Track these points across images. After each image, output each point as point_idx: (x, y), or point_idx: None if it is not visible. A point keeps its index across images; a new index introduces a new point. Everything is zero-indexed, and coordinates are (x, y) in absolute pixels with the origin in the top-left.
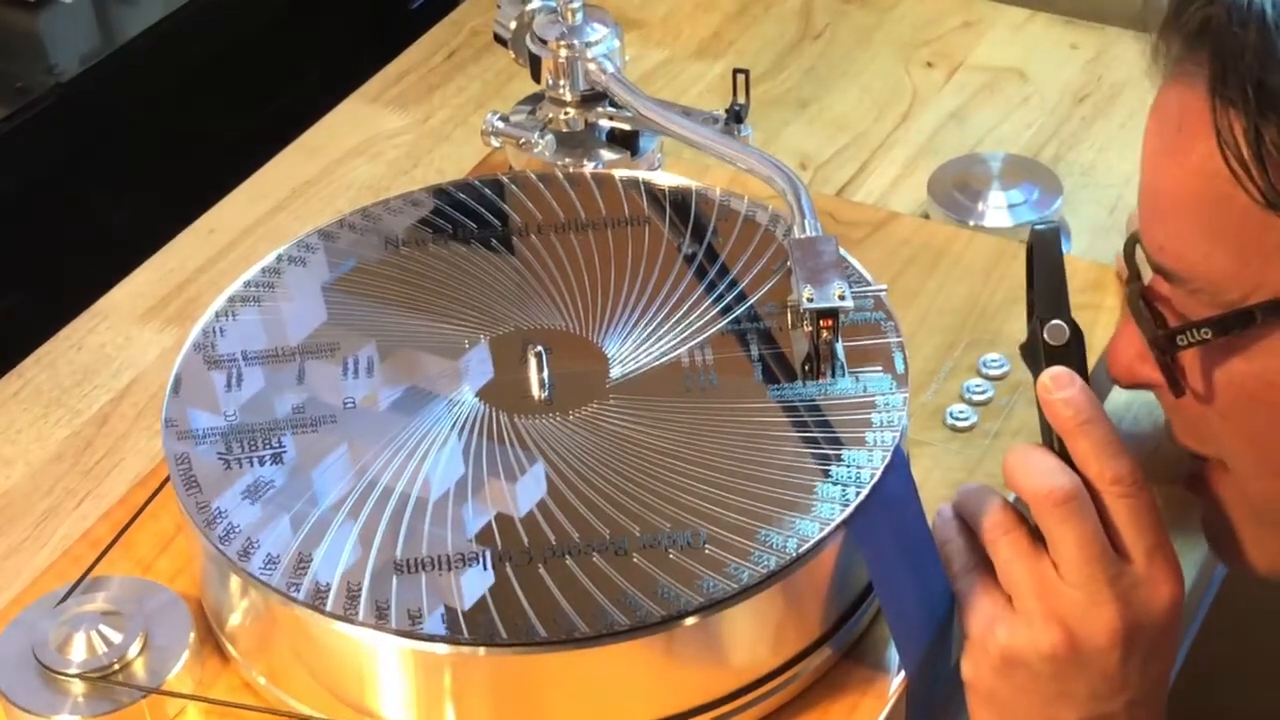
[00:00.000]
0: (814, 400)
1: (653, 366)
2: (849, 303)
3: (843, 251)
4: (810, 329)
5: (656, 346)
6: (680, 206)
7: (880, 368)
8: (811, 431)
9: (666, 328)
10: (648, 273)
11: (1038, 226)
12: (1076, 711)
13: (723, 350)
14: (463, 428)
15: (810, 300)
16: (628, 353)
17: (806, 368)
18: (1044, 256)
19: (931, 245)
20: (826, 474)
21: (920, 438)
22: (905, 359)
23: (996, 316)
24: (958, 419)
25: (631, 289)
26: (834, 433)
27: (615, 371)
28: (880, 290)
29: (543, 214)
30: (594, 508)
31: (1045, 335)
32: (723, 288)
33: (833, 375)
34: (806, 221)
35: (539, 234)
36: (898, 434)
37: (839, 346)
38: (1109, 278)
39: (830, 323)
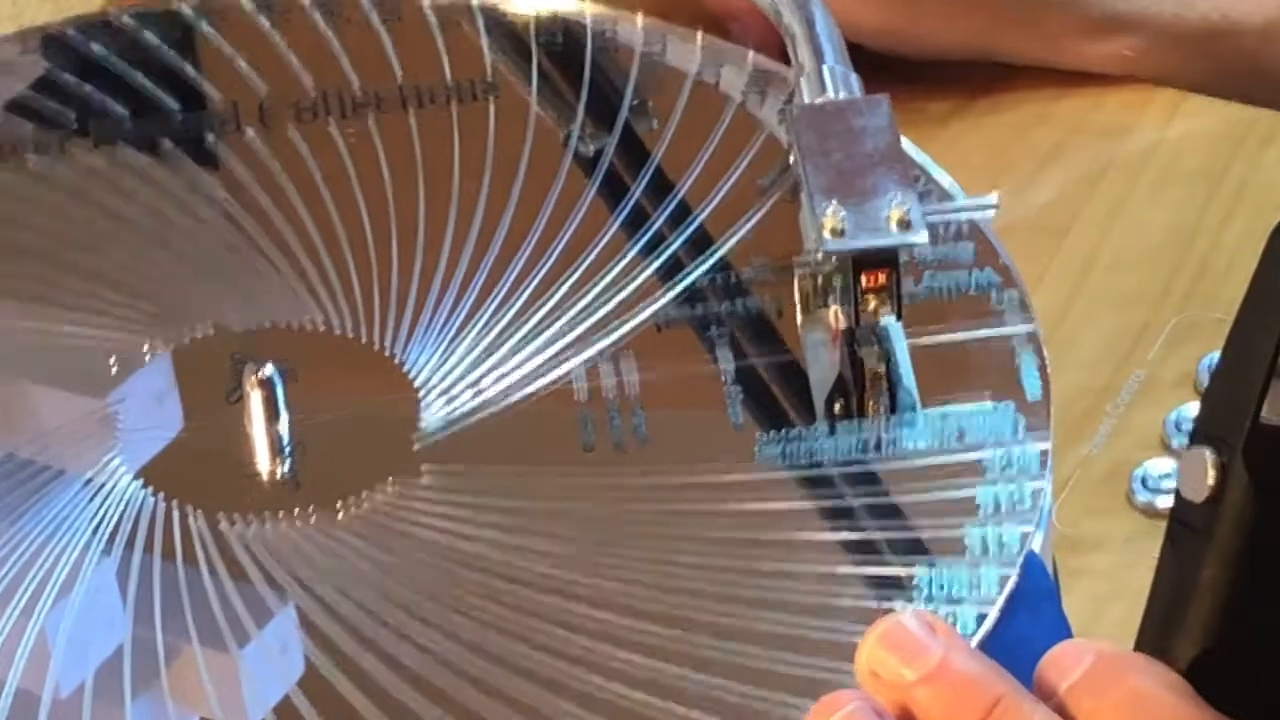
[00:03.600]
0: (856, 464)
1: (511, 402)
2: (921, 236)
3: (907, 144)
4: (841, 305)
5: (519, 359)
6: (565, 58)
7: (991, 389)
8: (855, 530)
9: (539, 318)
10: (496, 205)
11: None
12: None
13: (659, 364)
14: (110, 545)
15: (837, 235)
16: (458, 374)
17: (837, 396)
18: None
19: (1092, 125)
20: (890, 613)
21: (1083, 531)
22: (1046, 368)
23: (1231, 265)
24: (1159, 489)
25: (463, 240)
26: (901, 530)
27: (432, 415)
28: (987, 210)
29: (272, 83)
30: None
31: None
32: (655, 230)
33: (891, 408)
34: (827, 72)
35: (264, 127)
36: (1032, 529)
37: (902, 347)
38: None
39: (881, 281)
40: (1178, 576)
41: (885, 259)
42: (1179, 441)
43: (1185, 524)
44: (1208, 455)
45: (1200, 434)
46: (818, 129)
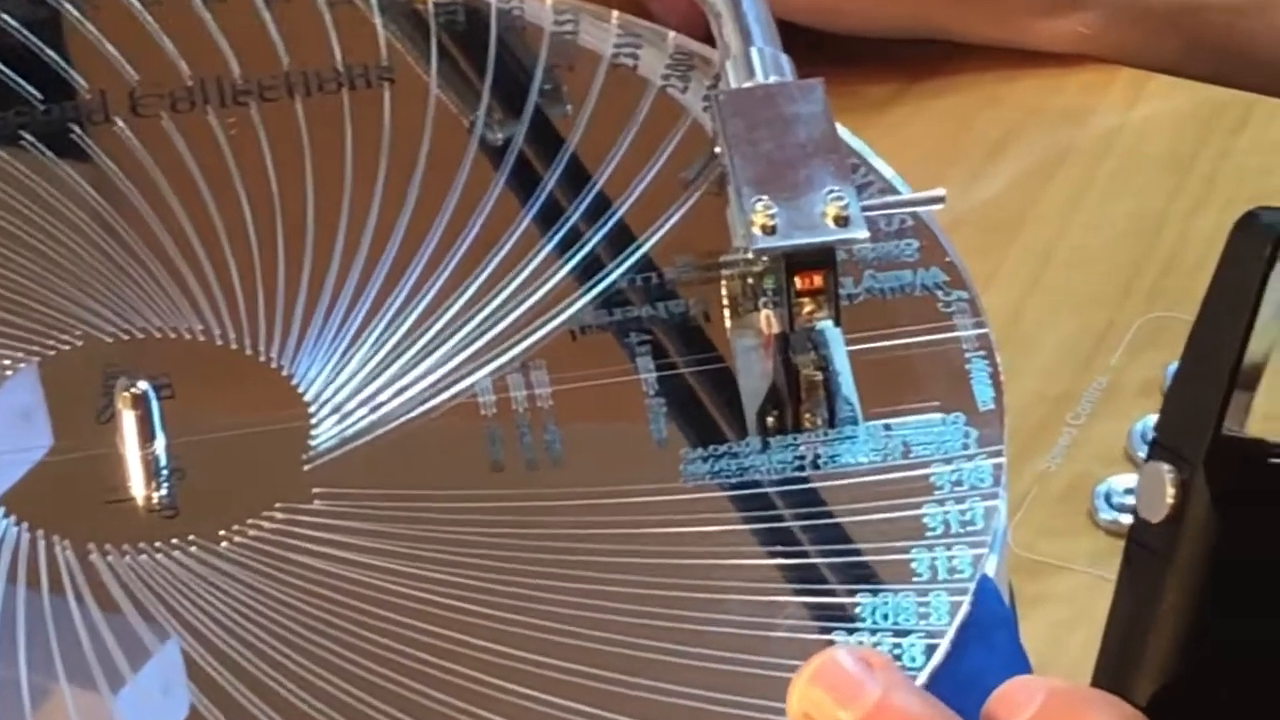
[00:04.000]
0: (791, 483)
1: (411, 418)
2: (859, 232)
3: (844, 131)
4: (773, 309)
5: (420, 370)
6: (467, 39)
7: (939, 400)
8: (791, 555)
9: (443, 324)
10: (393, 201)
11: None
12: None
13: (575, 374)
14: None
15: (767, 232)
16: (352, 387)
17: (770, 407)
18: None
19: (1047, 109)
20: (829, 646)
21: (1042, 553)
22: (999, 375)
23: (1202, 261)
24: (1123, 506)
25: (357, 240)
26: (842, 555)
27: (325, 434)
28: (932, 203)
29: (144, 70)
30: None
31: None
32: (570, 227)
33: (830, 421)
34: (755, 54)
35: (136, 118)
36: (985, 551)
37: (841, 353)
38: None
39: (817, 283)
40: (1135, 604)
41: (821, 258)
42: (1144, 454)
43: (1143, 546)
44: (1166, 470)
45: (1158, 447)
46: (745, 116)
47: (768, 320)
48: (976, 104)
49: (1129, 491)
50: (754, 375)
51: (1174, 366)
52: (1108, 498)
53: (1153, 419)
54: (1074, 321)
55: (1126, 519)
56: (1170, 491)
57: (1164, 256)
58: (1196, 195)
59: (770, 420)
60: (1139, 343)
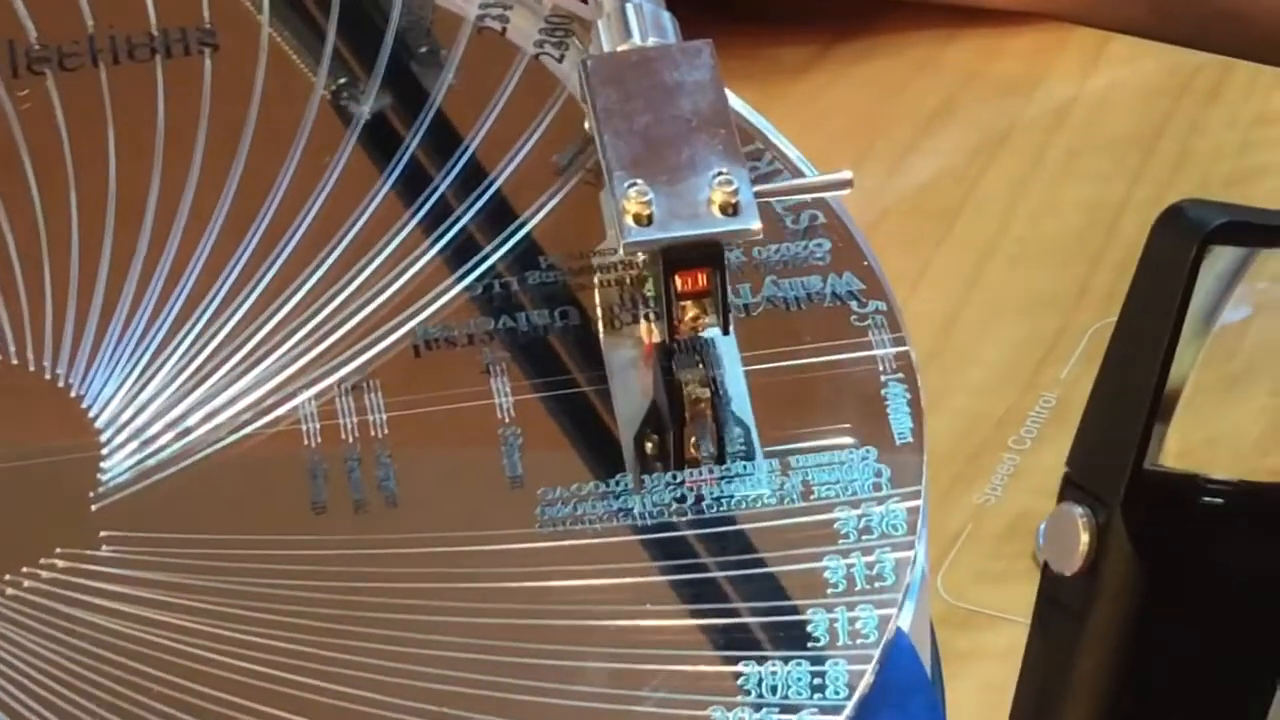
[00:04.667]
0: (667, 529)
1: (221, 448)
2: (750, 223)
3: (739, 104)
4: (653, 317)
5: (233, 391)
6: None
7: (847, 430)
8: (664, 616)
9: (262, 336)
10: (209, 190)
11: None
12: None
13: (416, 397)
14: None
15: (642, 223)
16: (154, 411)
17: (648, 431)
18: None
19: (989, 76)
20: None
21: (975, 601)
22: (919, 401)
23: None
24: None
25: (165, 236)
26: (724, 615)
27: (118, 466)
28: (838, 187)
29: None
30: None
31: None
32: (416, 222)
33: (718, 455)
34: (631, 11)
35: None
36: (892, 613)
37: (736, 371)
38: None
39: (701, 284)
40: (1046, 672)
41: (706, 254)
42: None
43: (1054, 603)
44: (1079, 513)
45: (1070, 486)
46: (618, 85)
47: (648, 329)
48: (906, 70)
49: None
50: (631, 396)
51: None
52: None
53: None
54: (1017, 329)
55: None
56: (1083, 538)
57: (1123, 251)
58: (1163, 179)
59: (649, 446)
60: (1094, 353)
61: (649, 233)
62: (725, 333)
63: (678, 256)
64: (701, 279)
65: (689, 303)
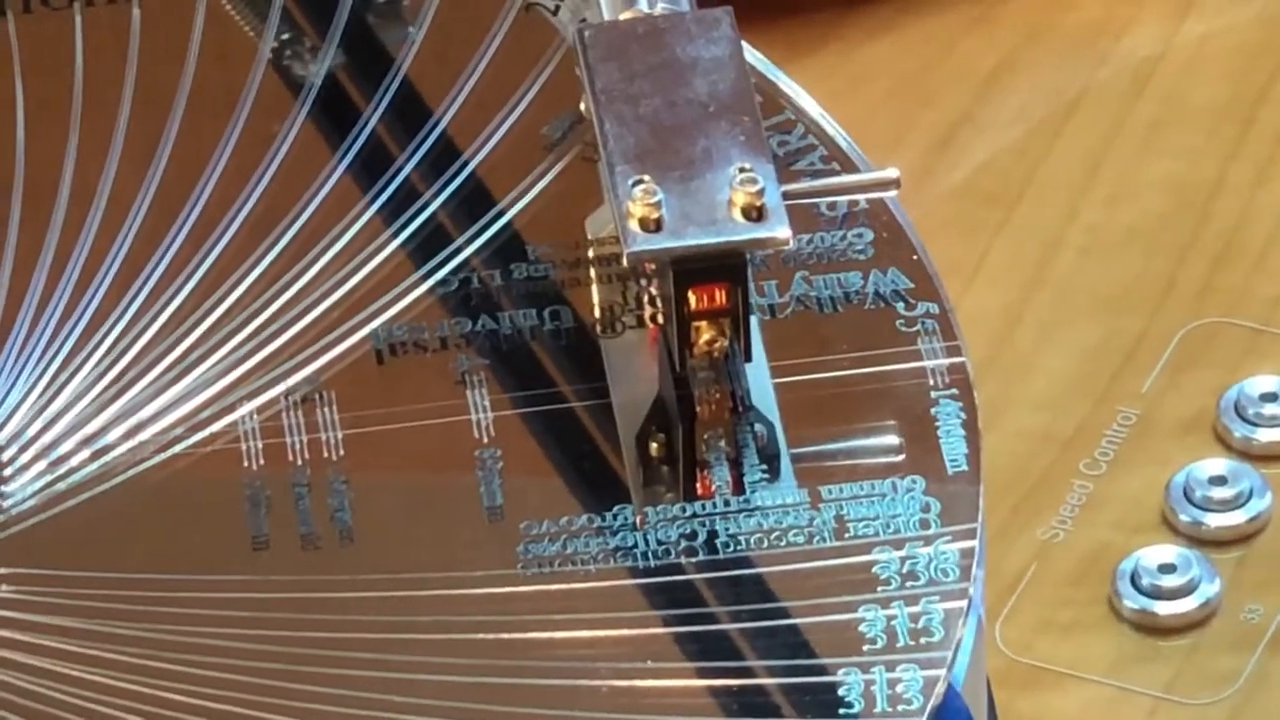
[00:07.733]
0: (674, 572)
1: (145, 470)
2: (779, 231)
3: (761, 62)
4: (662, 326)
5: (160, 402)
6: None
7: (894, 448)
8: (671, 676)
9: (195, 339)
10: (135, 165)
11: None
12: None
13: (376, 411)
14: None
15: (649, 228)
16: (66, 424)
17: (652, 430)
18: None
19: (1058, 30)
20: None
21: (1041, 655)
22: (975, 421)
23: (1272, 244)
24: (1158, 590)
25: (82, 219)
26: (742, 676)
27: (21, 490)
28: (882, 188)
29: None
30: None
31: None
32: (383, 203)
33: (736, 484)
34: None
35: None
36: (940, 674)
37: (765, 388)
38: None
39: (720, 301)
40: None
41: (725, 267)
42: (1189, 518)
43: None
44: None
45: None
46: (621, 61)
47: (665, 345)
48: (957, 24)
49: (1165, 570)
50: (635, 403)
51: (1233, 392)
52: (1135, 579)
53: (1201, 467)
54: (1090, 332)
55: (1161, 608)
56: None
57: (1218, 241)
58: (1264, 155)
59: (654, 447)
60: (1183, 360)
61: (657, 240)
62: (748, 359)
63: (692, 269)
64: (719, 296)
65: (704, 323)
